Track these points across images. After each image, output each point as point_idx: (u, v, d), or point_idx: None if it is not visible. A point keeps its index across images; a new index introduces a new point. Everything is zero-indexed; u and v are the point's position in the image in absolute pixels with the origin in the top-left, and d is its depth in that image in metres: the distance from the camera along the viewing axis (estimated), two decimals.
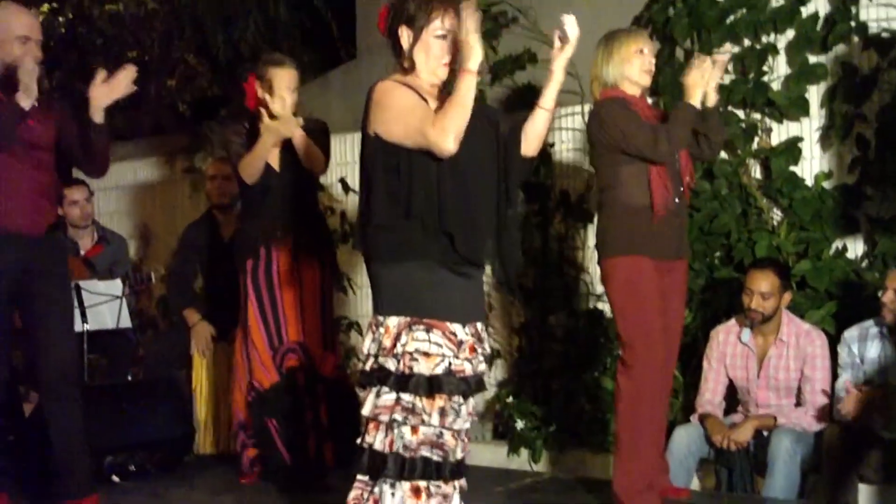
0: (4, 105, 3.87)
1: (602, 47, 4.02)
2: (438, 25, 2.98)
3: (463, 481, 3.03)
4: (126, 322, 5.46)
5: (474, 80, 2.85)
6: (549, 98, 3.15)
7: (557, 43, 3.11)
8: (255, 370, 4.49)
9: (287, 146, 4.49)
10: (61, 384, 4.11)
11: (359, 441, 2.96)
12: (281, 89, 4.43)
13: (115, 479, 4.85)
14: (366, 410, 2.92)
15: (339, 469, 4.38)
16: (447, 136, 2.82)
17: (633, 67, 3.94)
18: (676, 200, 3.89)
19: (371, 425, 2.92)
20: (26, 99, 3.83)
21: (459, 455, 2.97)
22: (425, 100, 2.96)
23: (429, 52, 2.99)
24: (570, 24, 3.08)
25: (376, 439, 2.90)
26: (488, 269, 3.14)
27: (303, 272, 4.54)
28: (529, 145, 3.18)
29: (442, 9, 2.98)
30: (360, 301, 6.42)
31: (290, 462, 4.48)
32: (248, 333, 4.50)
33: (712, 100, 3.95)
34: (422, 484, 2.88)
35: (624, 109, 3.87)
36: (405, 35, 3.01)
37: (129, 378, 5.62)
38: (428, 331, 2.88)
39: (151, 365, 5.75)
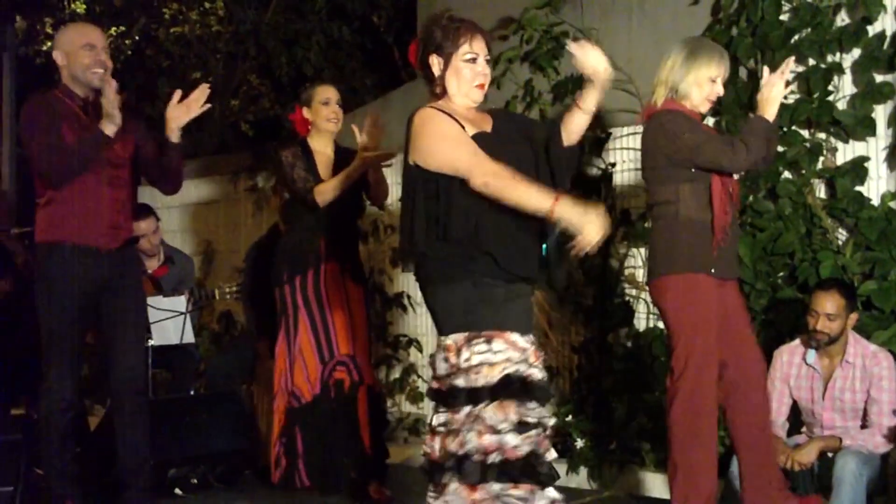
0: (89, 131, 4.00)
1: (684, 54, 3.95)
2: (467, 49, 3.09)
3: (551, 492, 3.01)
4: (189, 337, 5.55)
5: None
6: (589, 101, 3.21)
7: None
8: (296, 377, 4.55)
9: (339, 165, 4.62)
10: (131, 397, 4.21)
11: (436, 454, 3.00)
12: (322, 99, 4.65)
13: (178, 491, 4.93)
14: (435, 421, 2.98)
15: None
16: (486, 174, 2.90)
17: (700, 93, 3.92)
18: (732, 220, 3.88)
19: (440, 437, 2.96)
20: (110, 126, 3.99)
21: (548, 458, 2.98)
22: (462, 126, 3.02)
23: (460, 77, 3.09)
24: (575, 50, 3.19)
25: (440, 447, 2.94)
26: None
27: (349, 287, 4.63)
28: (570, 138, 3.24)
29: (469, 34, 3.09)
30: (420, 318, 6.46)
31: (307, 482, 4.56)
32: (297, 343, 4.56)
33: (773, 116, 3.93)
34: (494, 487, 2.88)
35: (689, 122, 3.86)
36: (436, 63, 3.11)
37: (192, 392, 5.70)
38: (488, 342, 2.94)
39: (214, 379, 5.83)
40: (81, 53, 4.11)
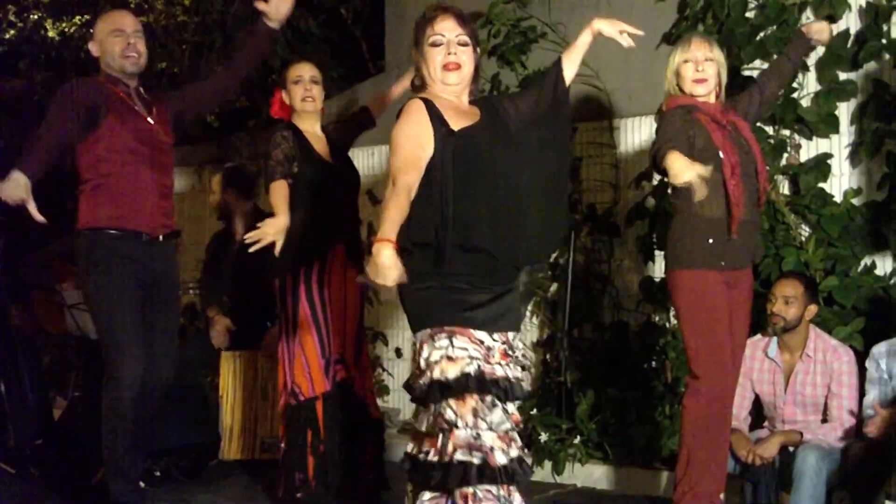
0: (135, 118, 4.04)
1: (672, 53, 4.08)
2: (430, 33, 3.05)
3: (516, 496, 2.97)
4: None
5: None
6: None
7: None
8: (296, 373, 4.36)
9: (333, 148, 4.50)
10: (161, 392, 4.13)
11: (409, 451, 3.00)
12: (293, 78, 4.48)
13: (141, 484, 4.88)
14: (422, 426, 2.97)
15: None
16: (391, 185, 2.88)
17: (683, 79, 3.99)
18: (748, 212, 3.88)
19: (419, 439, 2.96)
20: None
21: (512, 454, 2.93)
22: (443, 116, 2.99)
23: (428, 62, 3.05)
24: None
25: (416, 444, 2.94)
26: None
27: (349, 282, 4.44)
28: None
29: (433, 16, 3.06)
30: (385, 312, 6.45)
31: (312, 482, 4.32)
32: (297, 337, 4.36)
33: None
34: (468, 490, 2.85)
35: (670, 124, 3.88)
36: (416, 57, 3.11)
37: None
38: (450, 337, 2.91)
39: (177, 372, 5.78)
40: (111, 40, 4.05)
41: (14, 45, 9.67)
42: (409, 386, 3.03)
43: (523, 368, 3.07)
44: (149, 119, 4.07)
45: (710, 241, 3.85)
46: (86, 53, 4.31)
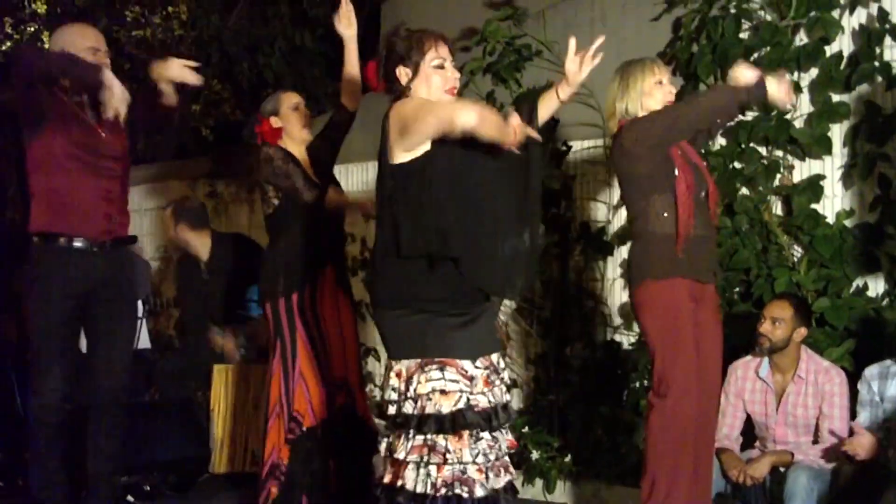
0: (88, 130, 4.01)
1: (618, 80, 3.98)
2: (434, 56, 3.07)
3: None
4: (145, 343, 5.51)
5: None
6: (564, 93, 3.47)
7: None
8: (297, 401, 4.27)
9: (321, 168, 4.47)
10: (113, 408, 4.14)
11: (386, 481, 2.96)
12: (291, 105, 4.47)
13: (130, 499, 4.87)
14: (399, 454, 2.92)
15: None
16: (465, 110, 2.88)
17: (655, 101, 3.92)
18: (702, 228, 3.87)
19: (401, 467, 2.92)
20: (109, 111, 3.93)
21: (494, 485, 2.92)
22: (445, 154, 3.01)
23: (430, 84, 3.07)
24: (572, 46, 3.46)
25: (408, 480, 2.89)
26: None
27: (341, 301, 4.43)
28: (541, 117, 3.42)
29: (433, 40, 3.08)
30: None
31: None
32: (297, 366, 4.28)
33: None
34: None
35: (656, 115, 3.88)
36: (403, 74, 3.08)
37: (146, 398, 5.65)
38: (442, 369, 2.89)
39: (168, 386, 5.78)
40: (87, 56, 4.04)
41: (11, 57, 9.67)
42: (386, 413, 2.98)
43: (508, 388, 3.06)
44: (98, 127, 4.05)
45: (667, 254, 3.82)
46: None
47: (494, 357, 3.02)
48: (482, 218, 2.97)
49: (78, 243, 4.00)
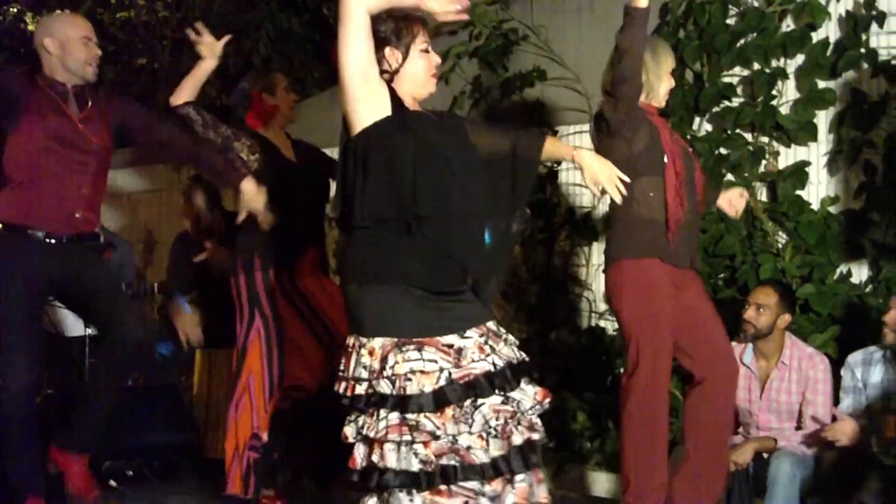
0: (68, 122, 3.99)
1: (650, 55, 3.88)
2: (422, 40, 3.06)
3: (523, 480, 2.89)
4: None
5: None
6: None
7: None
8: (295, 369, 4.24)
9: (301, 159, 4.43)
10: (126, 353, 4.08)
11: (360, 463, 2.92)
12: (285, 86, 4.47)
13: (113, 483, 4.85)
14: (372, 433, 2.88)
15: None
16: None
17: (665, 87, 3.94)
18: (689, 213, 3.86)
19: (378, 446, 2.88)
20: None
21: (494, 452, 2.83)
22: (405, 106, 2.98)
23: (417, 66, 3.05)
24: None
25: (389, 459, 2.86)
26: None
27: (325, 283, 4.40)
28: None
29: (421, 23, 3.07)
30: None
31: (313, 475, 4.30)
32: (283, 337, 4.25)
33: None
34: (441, 486, 2.80)
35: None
36: (392, 56, 3.03)
37: (130, 383, 5.62)
38: (420, 349, 2.85)
39: (152, 371, 5.76)
40: (78, 46, 4.02)
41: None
42: (352, 392, 2.91)
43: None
44: (76, 120, 4.01)
45: (651, 234, 3.80)
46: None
47: (491, 324, 2.97)
48: (451, 184, 2.93)
49: (38, 235, 3.94)
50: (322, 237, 4.57)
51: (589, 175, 3.22)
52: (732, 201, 4.16)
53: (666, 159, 3.83)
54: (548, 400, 2.97)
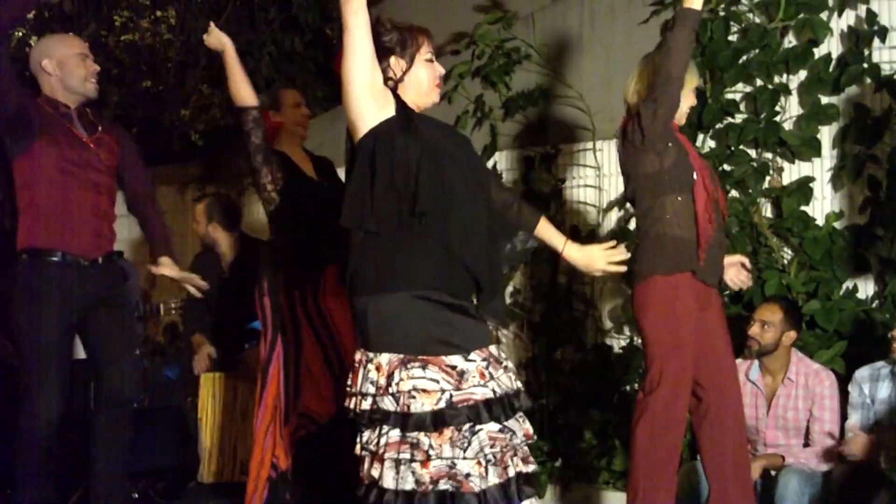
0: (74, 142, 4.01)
1: None
2: (427, 49, 3.06)
3: None
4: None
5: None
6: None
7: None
8: (306, 396, 4.14)
9: (319, 171, 4.39)
10: (116, 409, 4.10)
11: (364, 477, 2.90)
12: (293, 103, 4.42)
13: None
14: (373, 448, 2.87)
15: None
16: None
17: (687, 104, 3.87)
18: (717, 231, 3.80)
19: (377, 463, 2.86)
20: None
21: (492, 481, 2.81)
22: (412, 111, 2.97)
23: (423, 76, 3.04)
24: None
25: (387, 477, 2.84)
26: None
27: (343, 298, 4.33)
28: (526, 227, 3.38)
29: (425, 34, 3.07)
30: None
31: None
32: (302, 361, 4.16)
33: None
34: None
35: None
36: (396, 65, 3.03)
37: (135, 405, 5.61)
38: (424, 367, 2.83)
39: (157, 393, 5.75)
40: (77, 63, 4.03)
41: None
42: (358, 407, 2.92)
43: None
44: (87, 140, 4.04)
45: (683, 251, 3.74)
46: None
47: (493, 349, 2.95)
48: (455, 183, 2.91)
49: (69, 260, 3.95)
50: (345, 253, 4.50)
51: (584, 268, 3.38)
52: (735, 279, 4.06)
53: (695, 175, 3.77)
54: (530, 440, 2.94)
